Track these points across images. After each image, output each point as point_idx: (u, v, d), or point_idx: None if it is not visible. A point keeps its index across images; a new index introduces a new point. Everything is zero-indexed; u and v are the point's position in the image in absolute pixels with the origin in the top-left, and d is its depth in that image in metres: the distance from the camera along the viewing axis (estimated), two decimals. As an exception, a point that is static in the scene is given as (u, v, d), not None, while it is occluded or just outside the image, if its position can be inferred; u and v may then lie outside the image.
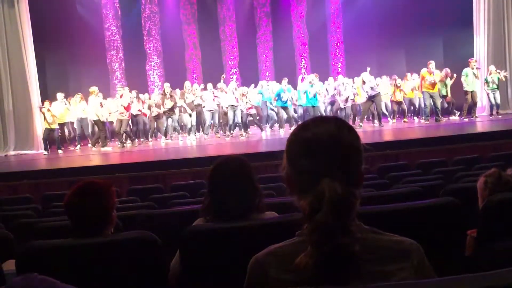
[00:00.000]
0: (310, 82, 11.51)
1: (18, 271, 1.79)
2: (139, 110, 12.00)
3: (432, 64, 11.37)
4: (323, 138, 1.02)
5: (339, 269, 0.92)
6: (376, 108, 11.63)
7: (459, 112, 12.02)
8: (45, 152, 10.96)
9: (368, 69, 11.47)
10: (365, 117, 12.14)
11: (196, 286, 1.86)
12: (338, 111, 12.41)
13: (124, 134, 11.43)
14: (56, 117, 11.03)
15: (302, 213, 1.00)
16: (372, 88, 11.18)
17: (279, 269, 1.02)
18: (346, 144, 1.03)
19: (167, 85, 12.02)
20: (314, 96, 11.39)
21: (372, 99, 11.38)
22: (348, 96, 12.19)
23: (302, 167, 1.03)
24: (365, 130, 10.83)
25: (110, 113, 11.54)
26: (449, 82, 11.92)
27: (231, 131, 11.85)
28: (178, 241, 1.87)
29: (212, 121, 12.11)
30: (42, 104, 11.21)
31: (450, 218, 1.93)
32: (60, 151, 10.97)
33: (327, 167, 1.00)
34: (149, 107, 11.97)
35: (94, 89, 11.32)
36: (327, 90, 12.79)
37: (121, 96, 11.39)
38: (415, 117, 12.80)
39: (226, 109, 11.66)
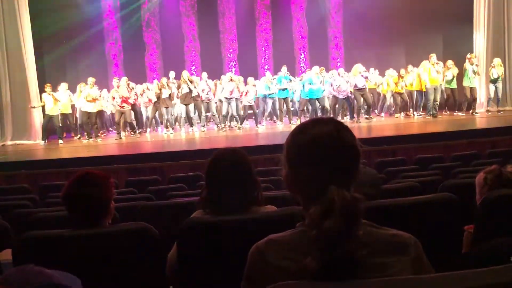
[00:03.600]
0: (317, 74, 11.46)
1: (15, 261, 1.79)
2: (135, 100, 11.97)
3: (433, 56, 11.37)
4: (324, 141, 1.02)
5: (345, 270, 0.93)
6: (366, 102, 11.70)
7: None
8: (42, 142, 10.93)
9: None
10: (360, 110, 12.23)
11: (193, 278, 1.86)
12: (336, 105, 12.36)
13: (123, 125, 11.45)
14: (59, 101, 10.98)
15: (309, 218, 0.99)
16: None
17: (279, 255, 1.02)
18: (348, 145, 1.04)
19: (171, 74, 12.00)
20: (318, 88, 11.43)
21: (360, 92, 11.44)
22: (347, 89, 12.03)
23: (306, 173, 1.03)
24: (362, 125, 10.84)
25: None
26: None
27: (228, 124, 11.84)
28: (175, 233, 1.87)
29: (208, 114, 12.10)
30: (44, 87, 11.12)
31: (447, 213, 1.93)
32: (60, 141, 10.93)
33: (331, 173, 1.00)
34: (141, 94, 11.92)
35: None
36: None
37: (118, 87, 11.35)
38: (414, 112, 12.78)
39: (221, 101, 11.69)
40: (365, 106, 12.13)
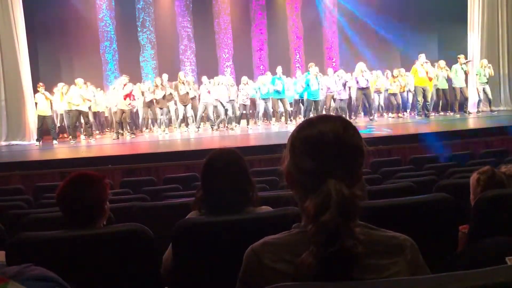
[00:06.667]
0: (315, 75, 11.32)
1: (9, 262, 1.77)
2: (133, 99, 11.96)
3: (422, 56, 11.39)
4: (328, 137, 1.02)
5: (342, 267, 0.93)
6: (367, 101, 11.68)
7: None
8: (37, 143, 10.87)
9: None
10: (359, 110, 12.22)
11: (189, 279, 1.86)
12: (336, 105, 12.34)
13: (122, 124, 11.46)
14: (53, 102, 10.93)
15: (305, 213, 0.99)
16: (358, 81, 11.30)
17: (274, 258, 1.02)
18: (351, 144, 1.03)
19: (165, 76, 11.97)
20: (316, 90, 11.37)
21: (363, 91, 11.43)
22: (346, 82, 11.75)
23: (306, 166, 1.03)
24: (358, 125, 10.83)
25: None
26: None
27: (226, 124, 11.86)
28: (170, 234, 1.87)
29: (203, 114, 12.10)
30: (37, 88, 11.02)
31: (442, 213, 1.94)
32: (55, 142, 10.86)
33: (331, 167, 1.00)
34: (142, 93, 11.91)
35: (78, 80, 11.18)
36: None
37: (124, 85, 11.32)
38: (405, 113, 12.80)
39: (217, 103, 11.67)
40: (367, 106, 12.11)
